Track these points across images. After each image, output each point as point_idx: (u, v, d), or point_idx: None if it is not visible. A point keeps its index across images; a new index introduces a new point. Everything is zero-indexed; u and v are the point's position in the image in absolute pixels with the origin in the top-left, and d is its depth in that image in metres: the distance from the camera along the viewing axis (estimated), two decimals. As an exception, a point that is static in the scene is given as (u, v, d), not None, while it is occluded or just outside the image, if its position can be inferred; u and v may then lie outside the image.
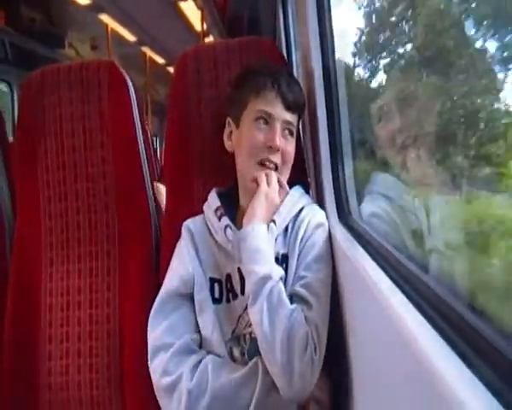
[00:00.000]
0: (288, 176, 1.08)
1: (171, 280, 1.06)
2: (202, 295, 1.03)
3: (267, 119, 1.04)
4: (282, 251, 1.02)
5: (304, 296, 0.94)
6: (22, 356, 1.27)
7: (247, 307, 0.99)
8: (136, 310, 1.22)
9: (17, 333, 1.28)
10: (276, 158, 1.04)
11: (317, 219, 1.04)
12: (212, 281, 1.05)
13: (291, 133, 1.07)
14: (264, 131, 1.04)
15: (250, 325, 0.99)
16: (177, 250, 1.10)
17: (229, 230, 1.04)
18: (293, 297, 0.95)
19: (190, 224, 1.11)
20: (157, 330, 1.00)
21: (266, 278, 0.91)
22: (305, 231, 1.02)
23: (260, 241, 0.96)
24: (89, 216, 1.30)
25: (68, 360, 1.26)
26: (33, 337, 1.28)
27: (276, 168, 1.05)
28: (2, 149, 1.47)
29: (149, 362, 1.00)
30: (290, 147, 1.07)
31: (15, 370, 1.26)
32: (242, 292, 1.02)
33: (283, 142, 1.04)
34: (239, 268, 1.02)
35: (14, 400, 1.26)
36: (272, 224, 1.02)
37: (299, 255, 1.00)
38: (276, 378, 0.89)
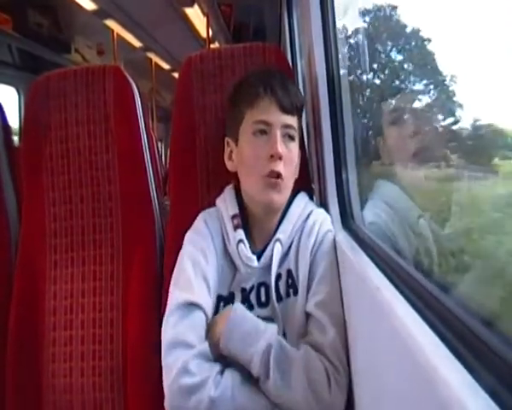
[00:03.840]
0: (293, 181, 1.05)
1: (195, 292, 0.97)
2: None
3: (265, 128, 1.00)
4: (286, 267, 1.01)
5: (319, 319, 0.94)
6: (26, 358, 1.27)
7: None
8: (140, 314, 1.22)
9: (21, 335, 1.28)
10: (280, 167, 0.98)
11: (325, 227, 1.03)
12: (219, 299, 1.01)
13: (292, 138, 1.03)
14: (264, 142, 0.99)
15: None
16: (195, 252, 1.02)
17: (241, 246, 1.01)
18: (309, 316, 0.96)
19: (208, 219, 1.06)
20: (178, 326, 0.93)
21: (267, 351, 0.89)
22: (314, 241, 1.00)
23: (245, 324, 0.92)
24: (93, 220, 1.31)
25: (72, 362, 1.26)
26: (37, 340, 1.28)
27: (279, 177, 0.99)
28: (7, 153, 1.48)
29: (164, 356, 0.92)
30: (293, 153, 1.03)
31: (19, 371, 1.26)
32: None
33: (285, 149, 1.00)
34: (242, 288, 1.01)
35: (18, 401, 1.26)
36: (278, 243, 1.01)
37: (310, 265, 0.99)
38: None
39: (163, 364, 0.92)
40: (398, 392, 0.61)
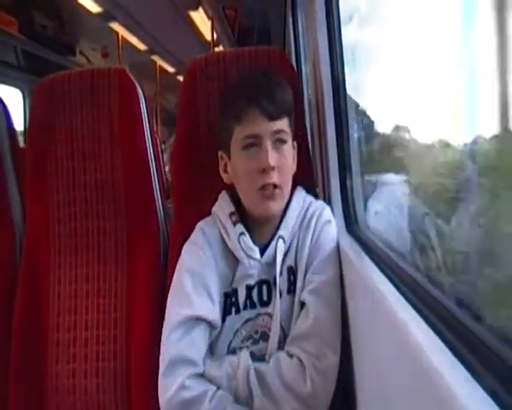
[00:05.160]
0: (290, 185, 1.03)
1: (196, 305, 0.97)
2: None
3: (255, 140, 0.98)
4: (287, 264, 1.01)
5: (307, 304, 0.95)
6: (30, 359, 1.27)
7: (245, 322, 1.00)
8: (144, 316, 1.22)
9: (25, 336, 1.28)
10: (274, 177, 0.97)
11: (323, 219, 1.03)
12: (226, 296, 1.01)
13: (284, 141, 1.00)
14: (255, 155, 0.98)
15: (247, 338, 1.00)
16: (192, 261, 1.02)
17: (243, 237, 1.00)
18: (302, 304, 0.97)
19: (205, 227, 1.06)
20: (180, 344, 0.94)
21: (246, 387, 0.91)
22: (312, 235, 1.01)
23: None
24: (97, 222, 1.31)
25: (75, 364, 1.26)
26: (40, 341, 1.28)
27: (275, 187, 0.98)
28: (12, 155, 1.48)
29: (164, 373, 0.93)
30: (286, 157, 1.00)
31: (23, 372, 1.26)
32: (244, 307, 1.01)
33: (276, 157, 0.97)
34: (247, 285, 1.01)
35: (21, 402, 1.26)
36: (281, 241, 1.01)
37: (308, 258, 0.99)
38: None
39: (161, 380, 0.93)
40: (400, 391, 0.62)
